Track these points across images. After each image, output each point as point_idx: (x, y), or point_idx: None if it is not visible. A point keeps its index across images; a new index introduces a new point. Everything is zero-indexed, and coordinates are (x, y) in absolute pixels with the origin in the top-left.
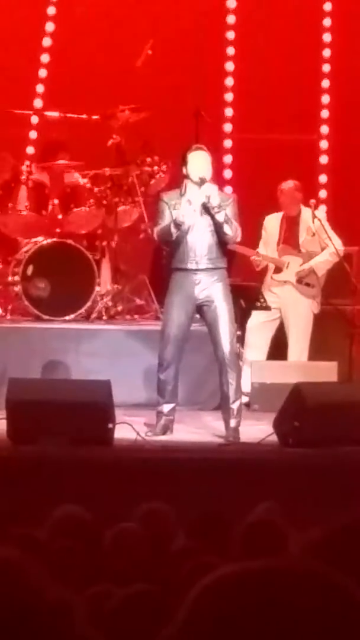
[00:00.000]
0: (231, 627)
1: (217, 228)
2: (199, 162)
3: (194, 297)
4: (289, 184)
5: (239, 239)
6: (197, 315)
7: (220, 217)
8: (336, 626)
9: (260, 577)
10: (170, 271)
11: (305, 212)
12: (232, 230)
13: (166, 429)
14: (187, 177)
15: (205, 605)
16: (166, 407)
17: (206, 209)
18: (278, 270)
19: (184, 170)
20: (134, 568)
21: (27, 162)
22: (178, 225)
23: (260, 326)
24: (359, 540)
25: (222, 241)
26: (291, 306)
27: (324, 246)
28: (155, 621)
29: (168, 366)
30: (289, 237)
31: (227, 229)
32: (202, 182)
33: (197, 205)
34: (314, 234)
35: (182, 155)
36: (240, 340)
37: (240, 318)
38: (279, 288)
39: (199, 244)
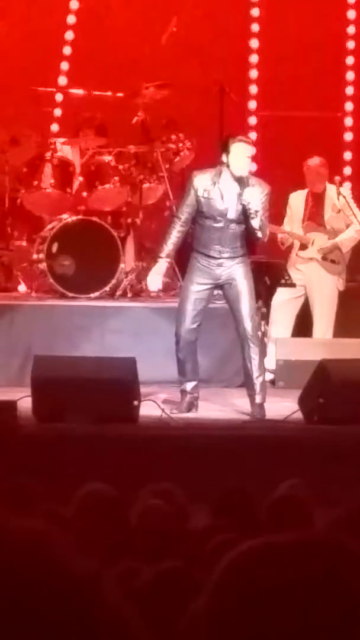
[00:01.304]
0: (258, 601)
1: (250, 229)
2: (242, 156)
3: (214, 276)
4: (314, 161)
5: (266, 240)
6: (219, 292)
7: (256, 224)
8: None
9: (286, 550)
10: (192, 249)
11: (331, 189)
12: (263, 235)
13: (191, 407)
14: (225, 165)
15: (232, 578)
16: (189, 385)
17: (243, 209)
18: (303, 247)
19: (224, 158)
20: (161, 544)
21: (52, 140)
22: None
23: (285, 303)
24: None
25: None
26: (316, 283)
27: (349, 223)
28: (184, 596)
29: (185, 343)
30: (314, 214)
31: (260, 234)
32: (241, 180)
33: (229, 197)
34: (339, 211)
35: (223, 142)
36: (265, 317)
37: (265, 295)
38: (304, 265)
39: (225, 234)
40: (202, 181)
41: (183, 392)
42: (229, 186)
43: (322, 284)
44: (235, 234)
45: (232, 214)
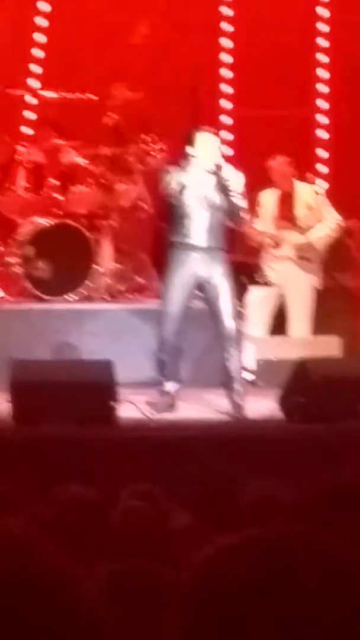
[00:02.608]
0: (232, 595)
1: (232, 211)
2: (210, 146)
3: (195, 275)
4: (277, 160)
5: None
6: (198, 292)
7: (240, 202)
8: (332, 585)
9: (258, 544)
10: (169, 246)
11: (301, 187)
12: (244, 217)
13: (170, 407)
14: (191, 157)
15: (206, 575)
16: (169, 386)
17: (224, 190)
18: (277, 245)
19: (190, 151)
20: (141, 546)
21: (24, 143)
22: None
23: (261, 302)
24: (348, 501)
25: (228, 222)
26: (291, 282)
27: (321, 220)
28: (161, 596)
29: (169, 345)
30: (286, 212)
31: (242, 215)
32: (218, 168)
33: (203, 188)
34: (311, 209)
35: (188, 133)
36: (242, 316)
37: (241, 294)
38: (279, 264)
39: (204, 221)
40: (175, 175)
41: (162, 393)
42: (201, 178)
43: (298, 283)
44: (213, 224)
45: (208, 200)
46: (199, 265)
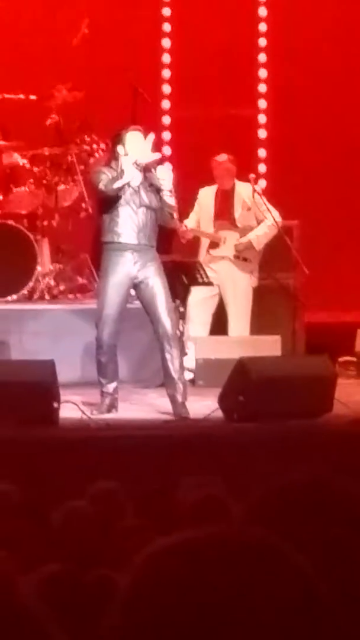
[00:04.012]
0: (173, 596)
1: (165, 211)
2: (140, 143)
3: (130, 276)
4: (222, 157)
5: (178, 223)
6: (133, 293)
7: (172, 201)
8: (275, 587)
9: (200, 545)
10: (102, 247)
11: (240, 186)
12: (176, 215)
13: (111, 407)
14: (121, 156)
15: (147, 575)
16: (110, 387)
17: (155, 189)
18: (215, 245)
19: (120, 150)
20: (84, 547)
21: None
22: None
23: (201, 302)
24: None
25: (159, 221)
26: (229, 281)
27: (260, 220)
28: (105, 599)
29: (107, 347)
30: (224, 211)
31: (175, 214)
32: (148, 166)
33: (132, 186)
34: (249, 209)
35: (116, 134)
36: (183, 316)
37: (183, 295)
38: (217, 264)
39: (136, 219)
40: (106, 174)
41: (103, 394)
42: (132, 173)
43: (236, 282)
44: (145, 222)
45: (139, 199)
46: (133, 266)
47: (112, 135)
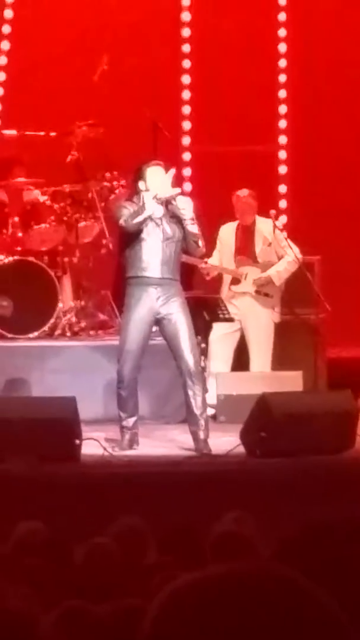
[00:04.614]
0: (196, 633)
1: (190, 240)
2: (160, 177)
3: (153, 311)
4: (243, 192)
5: (204, 250)
6: (156, 329)
7: (195, 229)
8: (299, 626)
9: (224, 581)
10: (126, 282)
11: (261, 222)
12: (203, 243)
13: (132, 443)
14: (142, 191)
15: (170, 612)
16: (130, 421)
17: (178, 220)
18: (236, 281)
19: (141, 186)
20: (106, 583)
21: None
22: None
23: (223, 337)
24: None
25: (184, 253)
26: (251, 317)
27: (280, 255)
28: (128, 636)
29: (128, 382)
30: (245, 246)
31: (200, 242)
32: (170, 199)
33: (155, 220)
34: (270, 244)
35: (137, 169)
36: (204, 352)
37: (204, 331)
38: (238, 300)
39: (159, 253)
40: (128, 209)
41: (124, 429)
42: (154, 207)
43: (257, 318)
44: (169, 256)
45: (161, 233)
46: (156, 301)
47: (132, 171)
